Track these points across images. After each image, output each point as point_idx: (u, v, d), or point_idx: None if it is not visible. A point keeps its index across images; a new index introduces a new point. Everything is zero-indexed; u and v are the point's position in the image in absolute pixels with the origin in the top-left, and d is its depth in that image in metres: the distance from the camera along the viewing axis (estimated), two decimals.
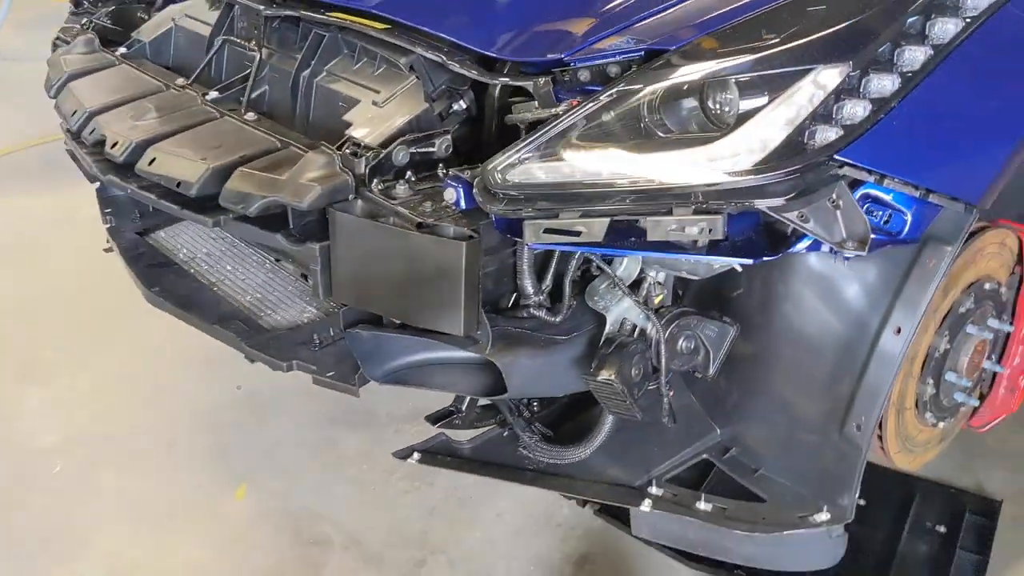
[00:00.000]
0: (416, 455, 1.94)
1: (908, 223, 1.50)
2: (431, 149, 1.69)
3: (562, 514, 2.52)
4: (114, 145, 1.88)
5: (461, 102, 1.80)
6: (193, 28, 2.29)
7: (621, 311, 1.68)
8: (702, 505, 1.72)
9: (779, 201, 1.39)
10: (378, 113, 1.79)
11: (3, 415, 2.90)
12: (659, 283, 1.68)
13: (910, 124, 1.43)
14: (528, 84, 1.66)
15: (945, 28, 1.48)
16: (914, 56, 1.46)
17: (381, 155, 1.65)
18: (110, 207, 2.43)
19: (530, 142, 1.53)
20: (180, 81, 2.13)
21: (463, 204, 1.58)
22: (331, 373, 1.84)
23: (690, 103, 1.48)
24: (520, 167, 1.51)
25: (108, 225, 2.42)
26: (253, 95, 2.02)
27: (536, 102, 1.64)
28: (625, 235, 1.47)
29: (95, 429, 2.84)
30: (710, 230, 1.41)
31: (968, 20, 1.49)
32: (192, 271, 2.21)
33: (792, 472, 1.72)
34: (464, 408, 1.98)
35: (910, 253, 1.57)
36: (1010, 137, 1.59)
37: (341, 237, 1.62)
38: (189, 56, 2.28)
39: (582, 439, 1.83)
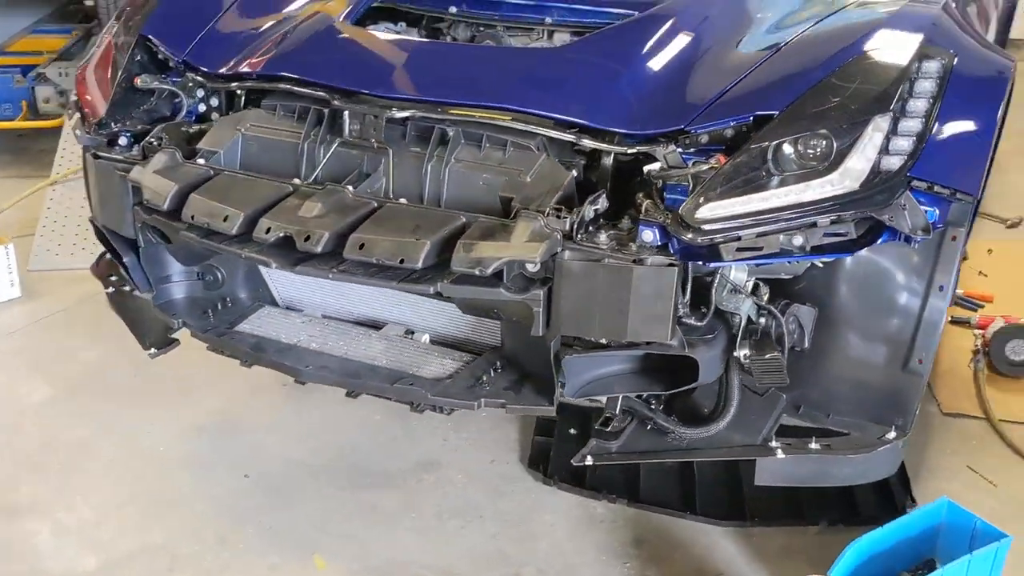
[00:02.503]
0: (590, 459, 2.30)
1: (937, 214, 2.19)
2: (597, 206, 2.13)
3: (598, 512, 2.94)
4: (307, 239, 2.07)
5: (577, 170, 2.26)
6: (264, 135, 2.46)
7: (746, 309, 2.21)
8: (814, 445, 2.29)
9: (881, 207, 2.02)
10: (534, 185, 2.18)
11: (25, 557, 2.75)
12: (762, 283, 2.24)
13: (938, 149, 2.13)
14: (655, 150, 2.17)
15: (924, 85, 2.20)
16: (917, 105, 2.16)
17: (580, 214, 2.06)
18: (177, 311, 2.52)
19: (705, 188, 2.03)
20: (296, 181, 2.34)
21: (658, 241, 2.04)
22: (522, 402, 2.18)
23: (789, 149, 2.08)
24: (704, 207, 2.01)
25: (179, 328, 2.50)
26: (380, 185, 2.30)
27: (662, 163, 2.15)
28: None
29: (126, 546, 2.79)
30: (845, 233, 2.02)
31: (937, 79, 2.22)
32: (316, 349, 2.38)
33: (859, 409, 2.32)
34: (616, 413, 2.36)
35: (939, 234, 2.20)
36: (988, 146, 2.22)
37: (568, 279, 1.98)
38: (262, 160, 2.45)
39: (712, 416, 2.32)
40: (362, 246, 2.03)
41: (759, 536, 2.82)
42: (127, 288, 2.97)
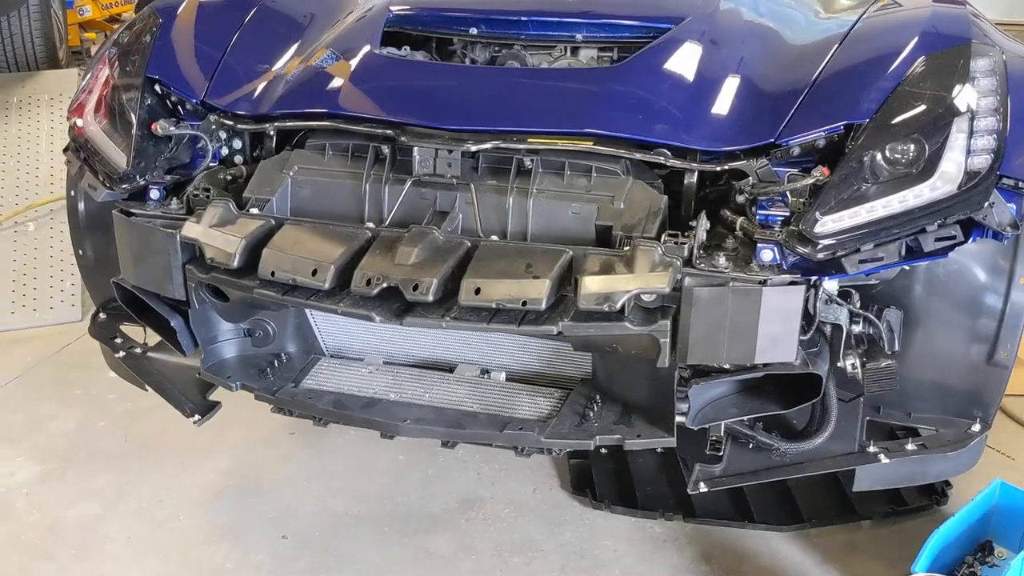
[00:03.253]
0: (703, 486, 2.23)
1: (1014, 209, 2.23)
2: (707, 228, 2.08)
3: (657, 532, 2.90)
4: (415, 287, 1.93)
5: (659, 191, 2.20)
6: (317, 178, 2.29)
7: (844, 318, 2.20)
8: (911, 446, 2.30)
9: (978, 207, 2.05)
10: (630, 211, 2.10)
11: None
12: (853, 291, 2.24)
13: (1014, 144, 2.17)
14: (746, 165, 2.13)
15: (986, 83, 2.23)
16: (986, 103, 2.19)
17: (694, 238, 2.00)
18: (231, 373, 2.32)
19: (820, 202, 1.99)
20: (371, 225, 2.18)
21: (777, 259, 2.01)
22: (638, 435, 2.10)
23: (880, 157, 2.08)
24: (823, 221, 1.98)
25: (236, 390, 2.31)
26: (458, 223, 2.18)
27: (753, 178, 2.12)
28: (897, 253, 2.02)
29: None
30: (954, 235, 2.03)
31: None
32: (400, 400, 2.23)
33: (942, 405, 2.36)
34: (721, 436, 2.29)
35: None
36: None
37: (696, 307, 1.92)
38: (317, 205, 2.28)
39: (811, 429, 2.30)
40: (478, 290, 1.91)
41: (818, 536, 2.84)
42: (137, 350, 2.74)
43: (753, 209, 2.11)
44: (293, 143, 2.42)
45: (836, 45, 2.34)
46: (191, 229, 2.14)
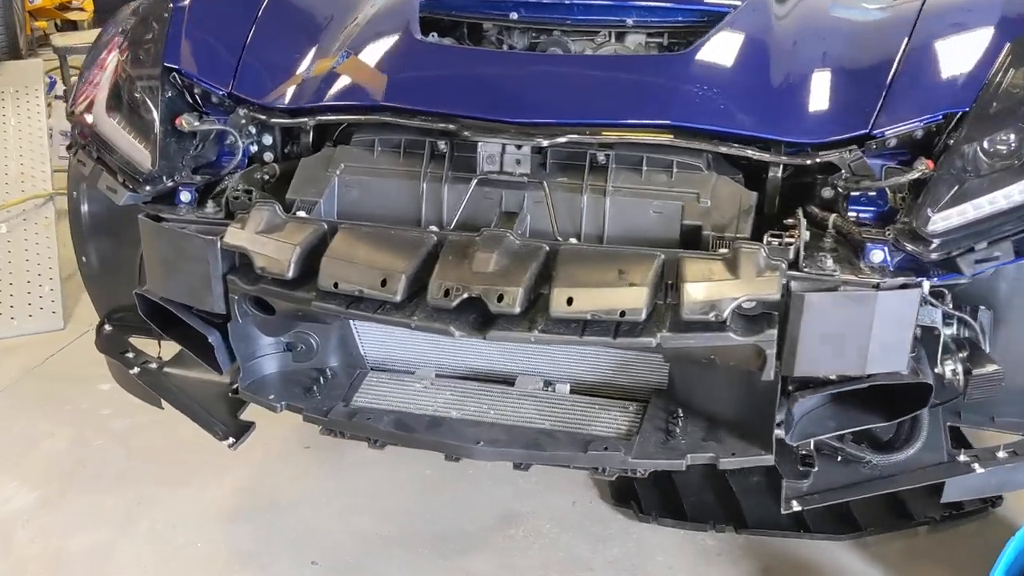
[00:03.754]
0: (795, 504, 2.07)
1: None
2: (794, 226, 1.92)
3: (709, 544, 2.75)
4: (500, 298, 1.74)
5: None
6: (367, 177, 2.09)
7: (939, 320, 2.07)
8: (1002, 454, 2.17)
9: None
10: (718, 209, 1.94)
11: None
12: (946, 292, 2.09)
13: None
14: (839, 158, 1.98)
15: None
16: None
17: (800, 240, 1.84)
18: (274, 392, 2.12)
19: (930, 197, 1.83)
20: (435, 229, 1.98)
21: (888, 260, 1.86)
22: (732, 453, 1.94)
23: (984, 146, 1.94)
24: (936, 218, 1.83)
25: (280, 411, 2.10)
26: (526, 224, 1.99)
27: (846, 172, 1.96)
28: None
29: None
30: None
31: None
32: (467, 419, 2.04)
33: None
34: (812, 451, 2.12)
35: None
36: None
37: (808, 314, 1.76)
38: (368, 206, 2.08)
39: (901, 440, 2.16)
40: (570, 300, 1.73)
41: (876, 545, 2.72)
42: (153, 365, 2.51)
43: (845, 205, 1.96)
44: (334, 139, 2.22)
45: (908, 29, 2.19)
46: (235, 236, 1.93)
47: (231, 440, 2.24)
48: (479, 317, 1.79)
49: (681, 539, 2.74)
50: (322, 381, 2.15)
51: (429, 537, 2.74)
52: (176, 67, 2.25)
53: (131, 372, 2.44)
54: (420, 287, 1.82)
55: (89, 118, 2.26)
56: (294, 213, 2.01)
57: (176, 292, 2.05)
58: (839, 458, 2.12)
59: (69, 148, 2.35)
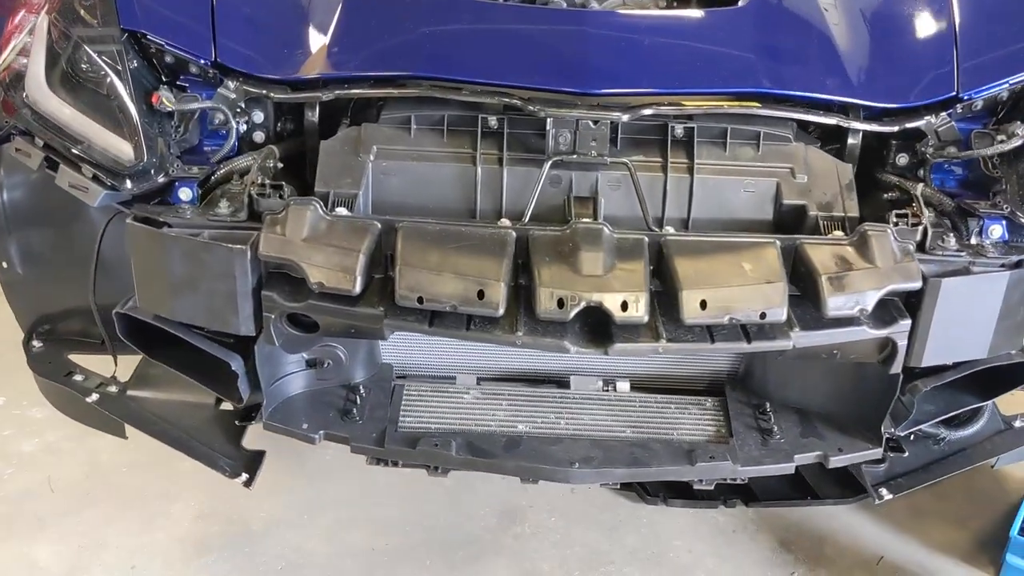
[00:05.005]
0: (885, 492, 1.95)
1: None
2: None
3: (721, 521, 2.62)
4: (625, 306, 1.48)
5: None
6: (405, 161, 1.75)
7: None
8: None
9: None
10: (817, 185, 1.75)
11: None
12: None
13: None
14: (924, 124, 1.83)
15: None
16: None
17: (926, 219, 1.68)
18: (307, 420, 1.78)
19: None
20: (506, 221, 1.68)
21: (1006, 236, 1.73)
22: (840, 449, 1.79)
23: None
24: None
25: (318, 442, 1.77)
26: (604, 209, 1.73)
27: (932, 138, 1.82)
28: None
29: None
30: None
31: None
32: (538, 434, 1.78)
33: None
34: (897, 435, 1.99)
35: None
36: None
37: (944, 300, 1.59)
38: (408, 195, 1.75)
39: (970, 415, 2.06)
40: (704, 304, 1.51)
41: (879, 506, 2.69)
42: (114, 388, 2.10)
43: (929, 175, 1.83)
44: (349, 116, 1.87)
45: None
46: (274, 243, 1.56)
47: (244, 477, 1.88)
48: (594, 328, 1.54)
49: (692, 519, 2.62)
50: (357, 400, 1.83)
51: (434, 547, 2.49)
52: (138, 30, 1.81)
53: (88, 399, 2.02)
54: (518, 297, 1.54)
55: (30, 97, 1.79)
56: (332, 210, 1.67)
57: (186, 312, 1.66)
58: (911, 438, 2.03)
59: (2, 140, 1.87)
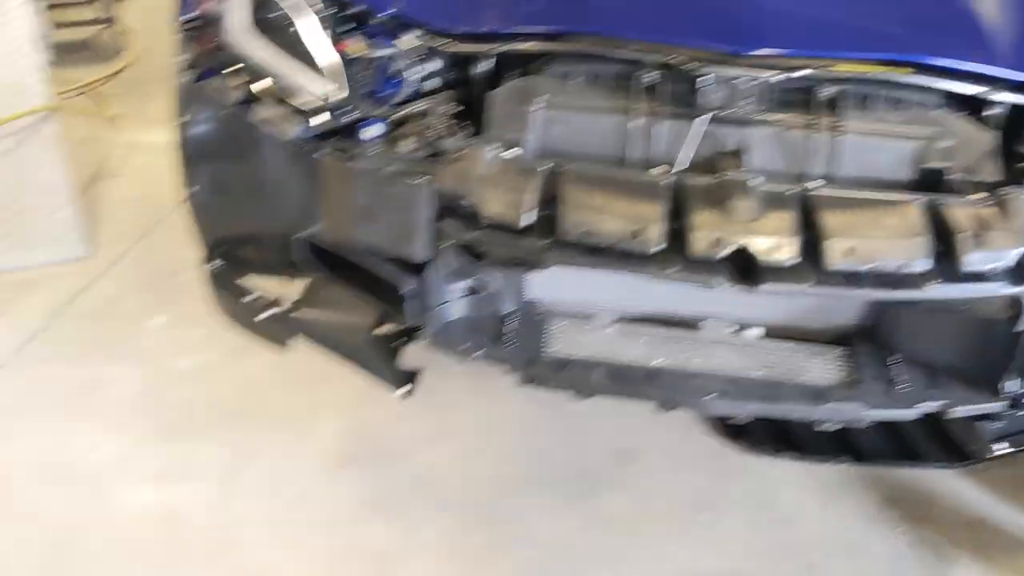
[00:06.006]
0: (1007, 445, 2.04)
1: None
2: None
3: (831, 477, 2.75)
4: (772, 249, 1.61)
5: None
6: (568, 113, 1.90)
7: None
8: None
9: None
10: (961, 150, 1.81)
11: None
12: None
13: None
14: None
15: None
16: None
17: None
18: (469, 341, 1.96)
19: None
20: (659, 170, 1.83)
21: None
22: (961, 400, 1.90)
23: None
24: None
25: (475, 359, 1.95)
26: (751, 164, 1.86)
27: None
28: None
29: None
30: None
31: None
32: (679, 369, 1.94)
33: None
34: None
35: None
36: None
37: None
38: (568, 143, 1.90)
39: None
40: (850, 251, 1.63)
41: (984, 472, 2.76)
42: (283, 308, 2.32)
43: None
44: (516, 69, 2.02)
45: None
46: (453, 179, 1.74)
47: (405, 389, 2.08)
48: (742, 271, 1.68)
49: (800, 473, 2.73)
50: (508, 329, 2.00)
51: (554, 478, 2.66)
52: None
53: (260, 316, 2.24)
54: (673, 237, 1.68)
55: (225, 35, 2.00)
56: (500, 153, 1.83)
57: (366, 238, 1.85)
58: None
59: (201, 71, 2.08)
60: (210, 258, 2.40)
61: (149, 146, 4.33)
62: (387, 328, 2.18)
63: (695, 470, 2.71)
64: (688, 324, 2.09)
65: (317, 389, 2.88)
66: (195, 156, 2.26)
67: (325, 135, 1.93)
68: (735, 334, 2.05)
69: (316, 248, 1.96)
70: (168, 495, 2.51)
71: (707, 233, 1.63)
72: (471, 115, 1.98)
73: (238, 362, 2.98)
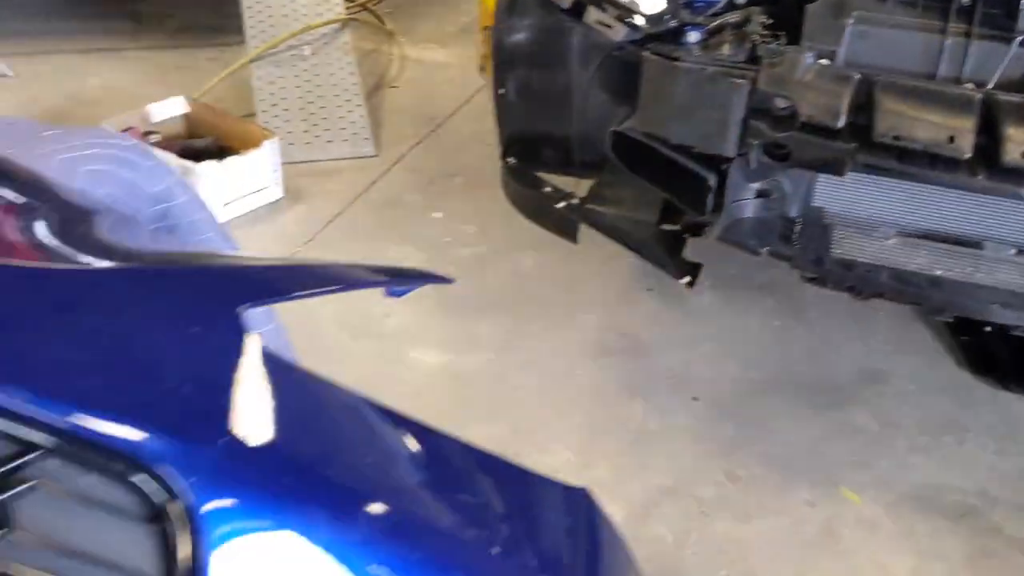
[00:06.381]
0: None
1: None
2: None
3: None
4: None
5: None
6: (880, 28, 2.03)
7: None
8: None
9: None
10: None
11: None
12: None
13: None
14: None
15: None
16: None
17: None
18: (758, 237, 2.14)
19: None
20: (971, 86, 1.94)
21: None
22: None
23: None
24: None
25: (762, 254, 2.14)
26: None
27: None
28: None
29: (637, 493, 2.45)
30: None
31: None
32: (961, 280, 2.05)
33: None
34: None
35: None
36: None
37: None
38: (877, 56, 2.02)
39: None
40: None
41: None
42: (575, 201, 2.56)
43: None
44: None
45: None
46: (773, 81, 1.90)
47: (688, 279, 2.29)
48: None
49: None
50: (795, 230, 2.16)
51: (799, 386, 2.80)
52: None
53: (556, 206, 2.49)
54: (984, 147, 1.79)
55: None
56: (814, 62, 1.98)
57: (679, 133, 2.05)
58: None
59: None
60: (508, 154, 2.68)
61: (420, 62, 4.68)
62: (672, 223, 2.38)
63: (942, 395, 2.79)
64: (970, 243, 2.17)
65: (576, 289, 3.13)
66: (509, 60, 2.53)
67: (645, 40, 2.12)
68: (1018, 254, 2.13)
69: (619, 145, 2.17)
70: (453, 359, 2.83)
71: (1019, 145, 1.72)
72: (781, 27, 2.13)
73: (506, 258, 3.28)
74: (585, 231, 2.58)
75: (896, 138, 1.78)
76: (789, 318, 3.06)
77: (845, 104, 1.83)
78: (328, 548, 0.77)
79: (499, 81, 2.59)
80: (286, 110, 3.98)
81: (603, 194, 2.49)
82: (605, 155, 2.30)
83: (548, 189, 2.53)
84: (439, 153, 3.96)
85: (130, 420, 0.78)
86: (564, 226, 2.52)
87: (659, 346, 2.93)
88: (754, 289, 3.10)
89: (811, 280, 2.11)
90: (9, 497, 0.75)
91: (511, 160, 2.65)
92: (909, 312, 3.02)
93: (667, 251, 2.33)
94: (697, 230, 2.30)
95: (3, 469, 0.75)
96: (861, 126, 1.83)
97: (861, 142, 1.84)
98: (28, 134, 1.29)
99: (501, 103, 2.62)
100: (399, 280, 1.21)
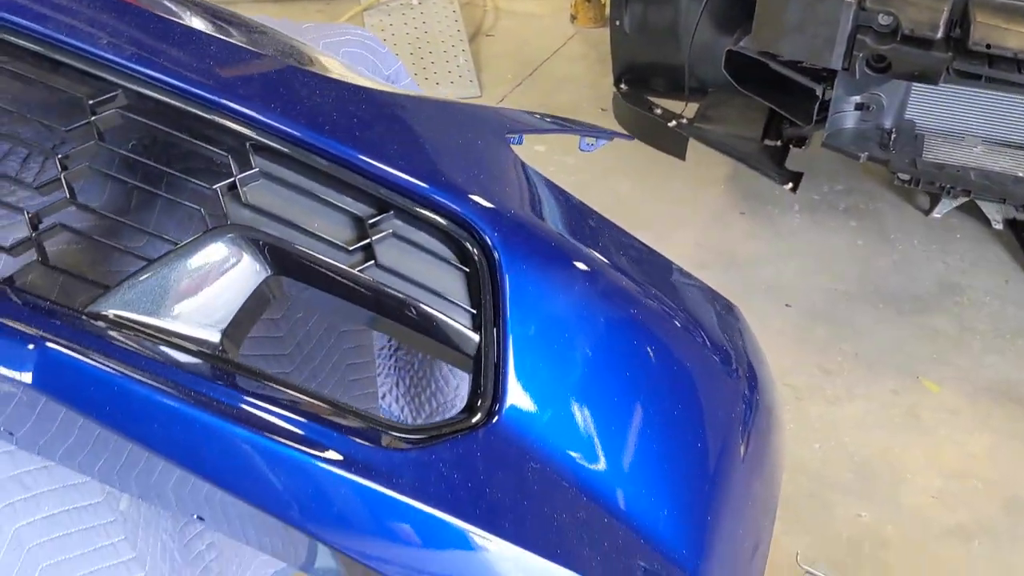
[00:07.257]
0: None
1: None
2: None
3: None
4: None
5: None
6: None
7: None
8: None
9: None
10: None
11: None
12: None
13: None
14: None
15: None
16: None
17: None
18: (858, 145, 2.40)
19: None
20: None
21: None
22: None
23: None
24: None
25: (863, 160, 2.40)
26: None
27: None
28: None
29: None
30: None
31: None
32: None
33: None
34: None
35: None
36: None
37: None
38: None
39: None
40: None
41: None
42: (685, 122, 2.83)
43: None
44: None
45: None
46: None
47: (791, 184, 2.55)
48: None
49: None
50: (890, 138, 2.41)
51: (884, 296, 3.05)
52: None
53: (668, 124, 2.76)
54: None
55: None
56: None
57: (790, 48, 2.31)
58: None
59: None
60: (621, 82, 2.95)
61: (513, 13, 4.96)
62: (773, 140, 2.65)
63: (1015, 306, 3.02)
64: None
65: (672, 211, 3.40)
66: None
67: None
68: None
69: (732, 64, 2.44)
70: None
71: None
72: None
73: (604, 184, 3.55)
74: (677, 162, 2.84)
75: (988, 46, 2.02)
76: (872, 238, 3.30)
77: (943, 17, 2.07)
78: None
79: (616, 14, 2.86)
80: (396, 55, 4.28)
81: (709, 115, 2.75)
82: (711, 81, 2.57)
83: (659, 111, 2.80)
84: (537, 93, 4.24)
85: (458, 195, 1.09)
86: (674, 143, 2.79)
87: (752, 261, 3.19)
88: (839, 213, 3.35)
89: (905, 183, 2.36)
90: (374, 240, 1.06)
91: (624, 87, 2.93)
92: (985, 234, 3.26)
93: (772, 161, 2.59)
94: (799, 142, 2.56)
95: (371, 220, 1.07)
96: (956, 39, 2.07)
97: (956, 51, 2.08)
98: (293, 29, 1.60)
99: (616, 34, 2.89)
100: (595, 133, 1.50)
